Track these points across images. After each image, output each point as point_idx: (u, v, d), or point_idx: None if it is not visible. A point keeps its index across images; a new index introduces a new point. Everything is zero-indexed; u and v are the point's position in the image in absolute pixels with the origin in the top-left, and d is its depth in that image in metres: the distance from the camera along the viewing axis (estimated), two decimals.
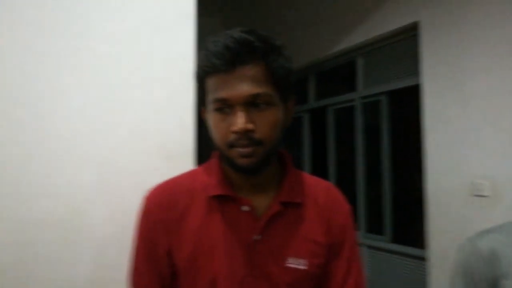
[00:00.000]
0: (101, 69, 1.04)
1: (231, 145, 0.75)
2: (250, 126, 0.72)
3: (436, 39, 2.56)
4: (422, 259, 2.68)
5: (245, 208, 0.80)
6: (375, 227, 3.12)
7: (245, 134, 0.73)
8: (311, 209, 0.85)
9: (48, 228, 0.96)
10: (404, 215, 2.98)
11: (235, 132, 0.73)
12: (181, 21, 1.13)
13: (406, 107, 2.95)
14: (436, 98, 2.56)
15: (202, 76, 0.77)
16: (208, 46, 0.76)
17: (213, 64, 0.74)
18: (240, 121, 0.72)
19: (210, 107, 0.77)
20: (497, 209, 2.23)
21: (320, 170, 3.69)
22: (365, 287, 0.87)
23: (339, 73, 3.65)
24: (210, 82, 0.76)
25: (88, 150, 1.01)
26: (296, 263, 0.81)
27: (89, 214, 1.00)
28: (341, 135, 3.56)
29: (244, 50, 0.73)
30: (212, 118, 0.77)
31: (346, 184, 3.35)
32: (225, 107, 0.74)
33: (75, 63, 1.02)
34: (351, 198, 3.22)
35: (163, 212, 0.81)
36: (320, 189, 0.89)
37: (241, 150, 0.74)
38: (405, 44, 2.88)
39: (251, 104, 0.74)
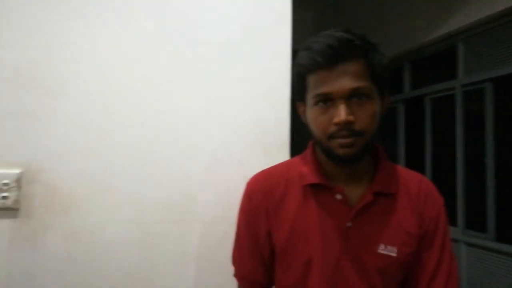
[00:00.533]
0: (207, 70, 1.17)
1: (332, 136, 0.81)
2: (351, 118, 0.78)
3: None
4: None
5: (339, 196, 0.87)
6: (475, 224, 2.94)
7: (346, 125, 0.79)
8: (403, 200, 0.88)
9: (165, 210, 1.13)
10: (510, 212, 2.75)
11: (337, 124, 0.79)
12: (277, 20, 1.22)
13: None
14: None
15: (304, 73, 0.85)
16: (310, 45, 0.83)
17: (316, 62, 0.81)
18: (342, 113, 0.78)
19: (311, 101, 0.84)
20: None
21: (415, 163, 3.55)
22: (457, 278, 0.88)
23: (437, 61, 3.46)
24: (312, 79, 0.83)
25: (198, 143, 1.15)
26: (387, 250, 0.85)
27: (199, 198, 1.14)
28: (439, 126, 3.39)
29: (345, 48, 0.79)
30: (312, 112, 0.84)
31: (443, 178, 3.19)
32: (327, 100, 0.81)
33: (184, 68, 1.17)
34: (449, 192, 3.06)
35: (263, 198, 0.91)
36: (412, 181, 0.92)
37: (341, 140, 0.80)
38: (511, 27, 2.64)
39: (351, 97, 0.79)
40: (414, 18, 3.42)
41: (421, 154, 3.49)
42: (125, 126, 1.11)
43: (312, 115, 0.85)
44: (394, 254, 0.85)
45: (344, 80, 0.79)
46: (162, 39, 1.14)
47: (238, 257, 0.96)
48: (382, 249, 0.85)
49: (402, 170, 0.93)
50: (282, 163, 0.98)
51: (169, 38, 1.15)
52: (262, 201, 0.91)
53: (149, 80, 1.13)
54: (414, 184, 0.91)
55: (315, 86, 0.82)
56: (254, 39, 1.21)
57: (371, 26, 3.94)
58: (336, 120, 0.79)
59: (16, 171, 1.03)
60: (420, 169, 3.41)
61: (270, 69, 1.20)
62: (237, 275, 0.97)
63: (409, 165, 3.65)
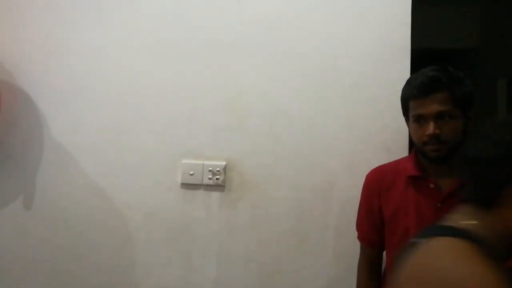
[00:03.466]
0: (347, 94, 1.63)
1: (425, 144, 1.19)
2: (437, 131, 1.15)
3: None
4: None
5: (431, 185, 1.22)
6: None
7: (434, 136, 1.15)
8: None
9: (313, 193, 1.62)
10: None
11: (428, 136, 1.16)
12: (399, 53, 1.60)
13: None
14: None
15: (406, 100, 1.25)
16: (410, 80, 1.23)
17: (413, 94, 1.20)
18: (431, 128, 1.16)
19: (411, 119, 1.23)
20: None
21: None
22: None
23: None
24: (411, 104, 1.22)
25: (336, 145, 1.62)
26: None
27: (338, 184, 1.60)
28: None
29: (433, 85, 1.16)
30: (412, 126, 1.23)
31: None
32: (421, 119, 1.18)
33: (329, 94, 1.64)
34: None
35: (376, 184, 1.32)
36: None
37: (431, 147, 1.17)
38: None
39: (438, 117, 1.15)
40: None
41: None
42: (290, 134, 1.65)
43: (412, 128, 1.23)
44: None
45: (432, 106, 1.15)
46: (279, 55, 1.65)
47: (360, 224, 1.39)
48: None
49: None
50: (392, 161, 1.37)
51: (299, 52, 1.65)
52: (376, 187, 1.32)
53: (305, 98, 1.65)
54: None
55: (414, 109, 1.21)
56: (382, 69, 1.61)
57: None
58: (427, 133, 1.16)
59: (223, 163, 1.68)
60: None
61: (394, 91, 1.57)
62: (359, 236, 1.40)
63: None
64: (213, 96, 1.72)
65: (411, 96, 1.21)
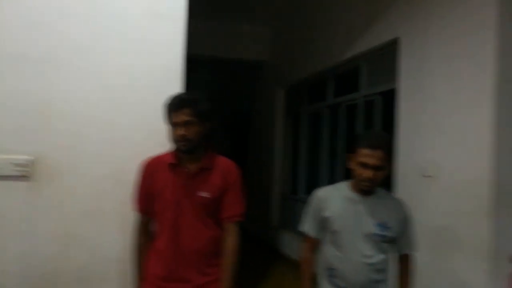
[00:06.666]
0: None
1: (177, 141, 1.73)
2: (185, 133, 1.70)
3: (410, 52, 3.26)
4: None
5: (184, 169, 1.82)
6: None
7: (183, 137, 1.72)
8: (216, 171, 1.84)
9: (108, 180, 2.10)
10: None
11: (179, 136, 1.71)
12: (172, 77, 2.21)
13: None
14: (407, 102, 3.27)
15: (168, 112, 1.77)
16: (171, 99, 1.79)
17: (171, 108, 1.76)
18: (182, 131, 1.72)
19: (170, 126, 1.78)
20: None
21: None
22: (242, 210, 1.85)
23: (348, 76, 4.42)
24: (172, 115, 1.77)
25: (126, 141, 2.14)
26: (204, 194, 1.79)
27: (127, 170, 2.10)
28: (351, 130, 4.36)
29: (183, 102, 1.74)
30: (170, 130, 1.77)
31: None
32: (177, 126, 1.75)
33: (118, 93, 2.13)
34: None
35: (148, 169, 1.86)
36: (223, 162, 1.87)
37: (181, 143, 1.73)
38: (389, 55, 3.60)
39: (186, 124, 1.72)
40: (335, 41, 4.39)
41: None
42: (91, 133, 2.09)
43: (170, 131, 1.78)
44: (208, 196, 1.80)
45: (181, 117, 1.68)
46: None
47: (138, 198, 1.88)
48: (202, 194, 1.79)
49: (219, 157, 1.88)
50: (161, 153, 1.94)
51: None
52: (149, 170, 1.84)
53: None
54: (223, 163, 1.86)
55: (171, 119, 1.75)
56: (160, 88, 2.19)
57: (312, 44, 4.94)
58: (179, 133, 1.74)
59: (32, 157, 2.02)
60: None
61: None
62: (136, 208, 1.88)
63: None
64: (28, 101, 2.04)
65: (171, 109, 1.78)
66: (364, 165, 1.71)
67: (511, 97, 2.52)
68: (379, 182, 1.78)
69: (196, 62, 6.54)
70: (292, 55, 5.60)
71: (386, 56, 3.67)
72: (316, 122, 5.21)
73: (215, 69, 7.43)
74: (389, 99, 3.61)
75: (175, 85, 2.20)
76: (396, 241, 1.84)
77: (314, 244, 1.93)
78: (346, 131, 4.45)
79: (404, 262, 1.90)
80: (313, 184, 4.98)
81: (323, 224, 1.86)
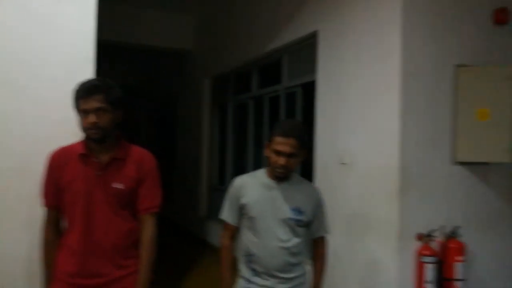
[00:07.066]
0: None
1: (87, 129, 1.64)
2: (96, 121, 1.62)
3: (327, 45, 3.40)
4: None
5: (95, 160, 1.74)
6: None
7: (94, 124, 1.65)
8: (130, 161, 1.78)
9: (11, 172, 1.94)
10: None
11: (89, 123, 1.62)
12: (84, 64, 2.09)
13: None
14: (324, 94, 3.41)
15: (77, 99, 1.68)
16: (80, 85, 1.69)
17: (80, 95, 1.65)
18: (92, 119, 1.64)
19: (79, 113, 1.68)
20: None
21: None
22: (159, 200, 1.81)
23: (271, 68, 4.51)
24: (79, 102, 1.68)
25: (34, 133, 1.99)
26: (118, 186, 1.72)
27: (34, 162, 1.97)
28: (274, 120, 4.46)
29: (94, 89, 1.65)
30: (80, 117, 1.66)
31: None
32: (85, 112, 1.64)
33: (22, 87, 1.98)
34: None
35: (56, 161, 1.75)
36: (137, 152, 1.81)
37: (91, 131, 1.64)
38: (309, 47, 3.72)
39: (97, 111, 1.63)
40: (258, 33, 4.44)
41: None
42: None
43: (80, 119, 1.69)
44: (122, 187, 1.73)
45: (92, 103, 1.61)
46: None
47: (45, 192, 1.77)
48: (115, 185, 1.72)
49: (133, 146, 1.82)
50: (71, 143, 1.82)
51: None
52: (56, 162, 1.73)
53: None
54: (138, 153, 1.81)
55: (79, 105, 1.67)
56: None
57: (237, 36, 4.94)
58: (90, 121, 1.65)
59: None
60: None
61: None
62: (45, 203, 1.76)
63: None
64: None
65: (81, 96, 1.68)
66: (278, 153, 1.77)
67: (414, 89, 2.74)
68: (293, 169, 1.84)
69: (118, 50, 6.29)
70: (217, 46, 5.58)
71: (306, 49, 3.78)
72: (242, 113, 5.25)
73: (140, 57, 7.19)
74: (310, 91, 3.75)
75: (87, 72, 2.09)
76: (311, 225, 1.92)
77: (233, 231, 1.96)
78: (270, 122, 4.54)
79: (319, 244, 2.00)
80: (240, 174, 5.02)
81: (241, 211, 1.90)
